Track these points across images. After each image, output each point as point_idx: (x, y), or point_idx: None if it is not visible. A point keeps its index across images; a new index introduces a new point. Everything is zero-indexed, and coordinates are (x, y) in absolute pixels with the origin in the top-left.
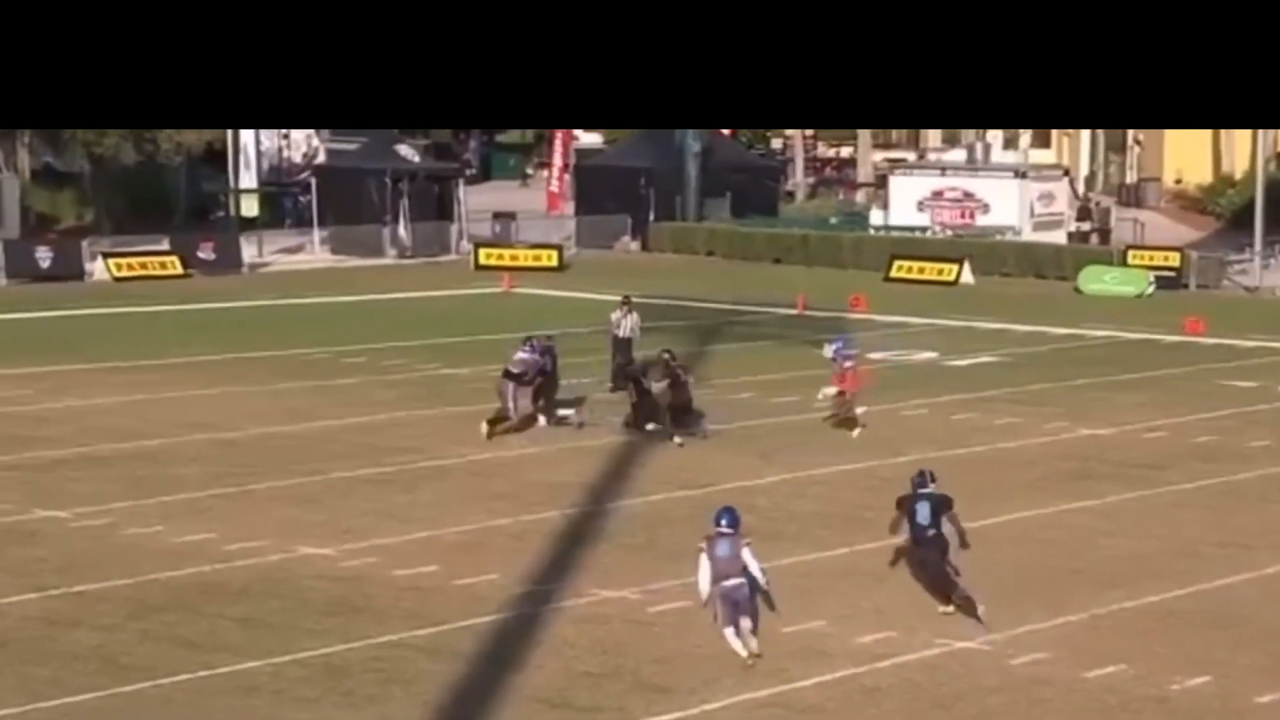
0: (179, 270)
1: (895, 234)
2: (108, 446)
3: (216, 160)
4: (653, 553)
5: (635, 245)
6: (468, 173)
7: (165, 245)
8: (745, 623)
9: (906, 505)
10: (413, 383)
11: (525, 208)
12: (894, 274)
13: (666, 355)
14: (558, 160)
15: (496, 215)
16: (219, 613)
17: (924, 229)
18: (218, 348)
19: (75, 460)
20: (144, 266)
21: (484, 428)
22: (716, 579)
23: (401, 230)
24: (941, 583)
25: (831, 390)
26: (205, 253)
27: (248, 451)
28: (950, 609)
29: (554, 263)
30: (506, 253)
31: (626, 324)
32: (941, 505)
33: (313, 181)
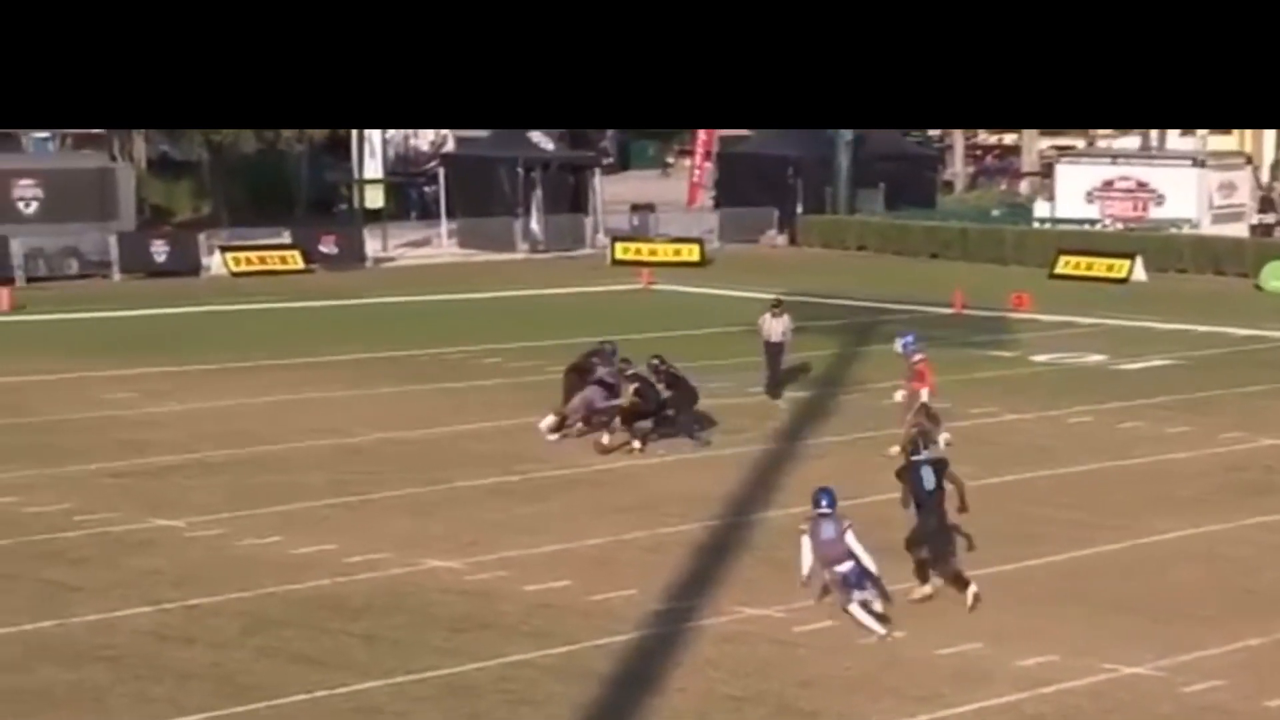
0: (300, 265)
1: (1062, 227)
2: (223, 452)
3: (339, 149)
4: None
5: (782, 239)
6: (604, 162)
7: (286, 238)
8: (867, 593)
9: (909, 474)
10: (544, 386)
11: (665, 199)
12: (1060, 270)
13: (655, 361)
14: (700, 148)
15: (634, 207)
16: (339, 629)
17: (1093, 222)
18: (340, 347)
19: (189, 467)
20: (263, 261)
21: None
22: (824, 564)
23: (534, 223)
24: (939, 554)
25: (900, 395)
26: (327, 246)
27: (370, 458)
28: (928, 592)
29: (695, 258)
30: (645, 247)
31: (777, 328)
32: (942, 467)
33: (440, 171)
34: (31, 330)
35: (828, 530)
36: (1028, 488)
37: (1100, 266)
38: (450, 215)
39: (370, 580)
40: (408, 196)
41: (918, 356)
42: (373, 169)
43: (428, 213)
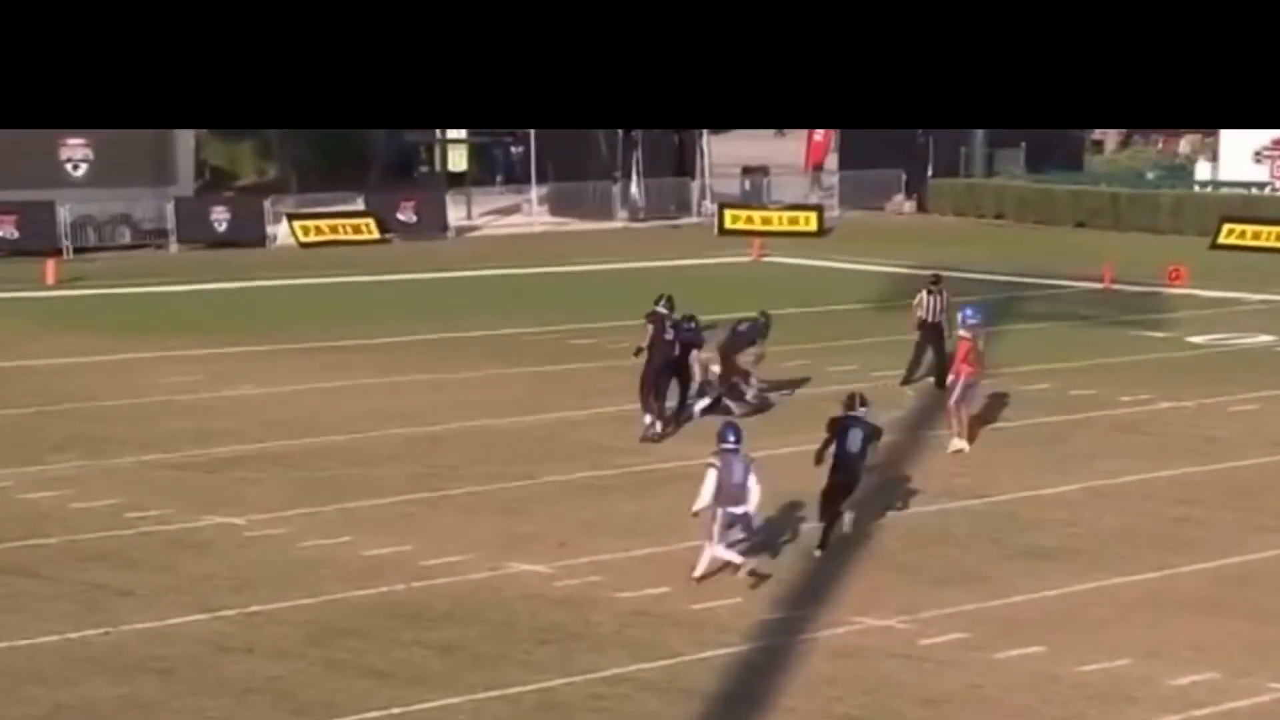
0: (375, 234)
1: (1225, 191)
2: (289, 442)
3: None
4: (923, 575)
5: (910, 206)
6: None
7: (359, 205)
8: (733, 536)
9: (837, 428)
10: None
11: (780, 161)
12: (1223, 240)
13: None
14: None
15: (746, 170)
16: (414, 639)
17: (1261, 185)
18: (419, 326)
19: (251, 458)
20: (335, 230)
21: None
22: (725, 501)
23: (634, 188)
24: (832, 514)
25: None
26: (405, 214)
27: (451, 449)
28: (820, 552)
29: (813, 227)
30: (757, 215)
31: (935, 306)
32: (873, 435)
33: (530, 132)
34: (79, 306)
35: (738, 471)
36: (1183, 484)
37: (1269, 236)
38: (540, 180)
39: (449, 586)
40: (493, 159)
41: (961, 332)
42: (455, 129)
43: (513, 177)
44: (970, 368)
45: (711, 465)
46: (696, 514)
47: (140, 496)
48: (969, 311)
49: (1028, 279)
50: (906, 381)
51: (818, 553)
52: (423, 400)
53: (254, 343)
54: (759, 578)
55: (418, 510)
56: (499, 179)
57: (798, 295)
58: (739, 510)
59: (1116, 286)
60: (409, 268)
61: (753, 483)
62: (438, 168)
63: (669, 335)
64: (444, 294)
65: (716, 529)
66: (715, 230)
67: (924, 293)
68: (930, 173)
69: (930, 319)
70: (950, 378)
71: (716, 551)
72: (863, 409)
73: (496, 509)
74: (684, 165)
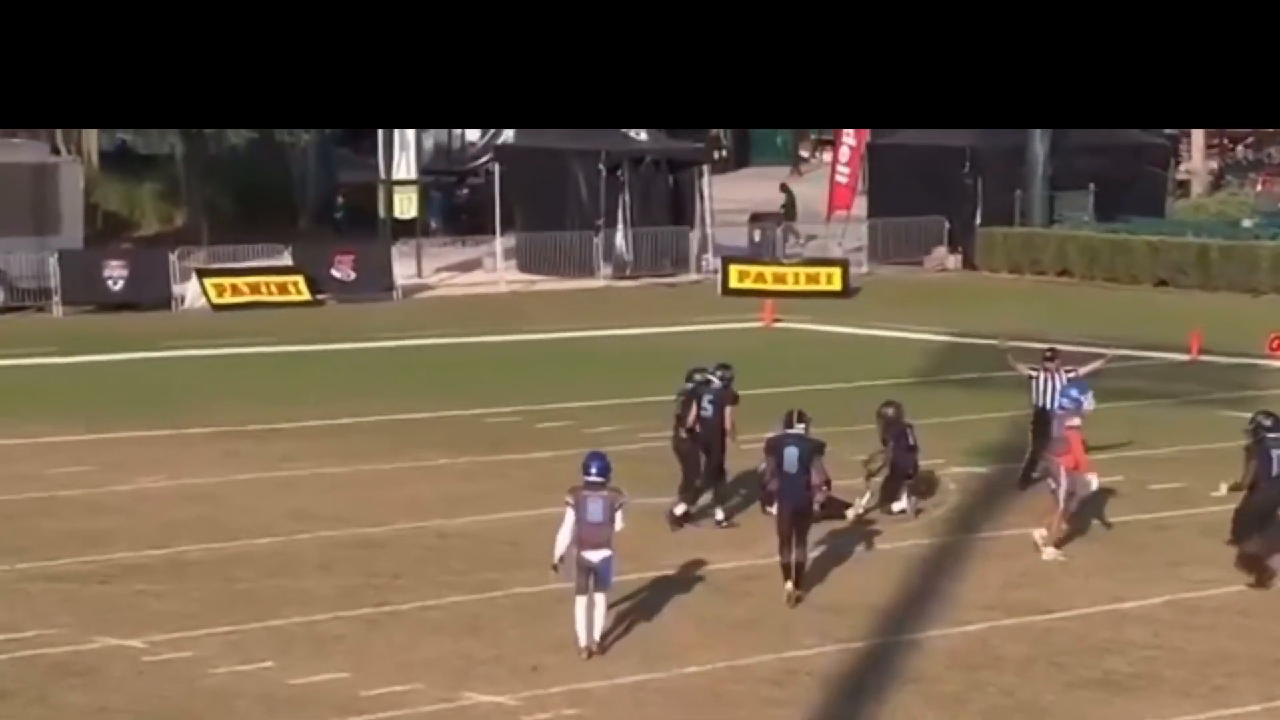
0: (305, 295)
1: None
2: (198, 547)
3: (360, 140)
4: (970, 708)
5: (954, 260)
6: (717, 156)
7: (285, 260)
8: (599, 601)
9: (775, 448)
10: (633, 457)
11: (798, 205)
12: None
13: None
14: (849, 139)
15: (756, 217)
16: None
17: None
18: (357, 407)
19: (153, 566)
20: (256, 290)
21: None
22: (582, 544)
23: (619, 239)
24: (794, 537)
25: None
26: (342, 271)
27: (395, 555)
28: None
29: (836, 285)
30: (769, 271)
31: (1049, 387)
32: (812, 451)
33: (494, 168)
34: None
35: (595, 509)
36: None
37: None
38: (507, 228)
39: None
40: (429, 201)
41: (1071, 421)
42: (404, 167)
43: (458, 225)
44: (1069, 459)
45: (568, 503)
46: (556, 567)
47: (15, 614)
48: (1076, 392)
49: (1097, 349)
50: (1025, 483)
51: (790, 588)
52: (361, 497)
53: (155, 426)
54: (593, 652)
55: (354, 630)
56: (433, 225)
57: (817, 368)
58: (595, 557)
59: (1205, 358)
60: (346, 335)
61: (616, 525)
62: (382, 213)
63: (707, 410)
64: (388, 367)
65: (577, 576)
66: (719, 290)
67: (1038, 368)
68: (978, 220)
69: (1043, 403)
70: (1062, 474)
71: (577, 615)
72: (800, 425)
73: (450, 628)
74: (680, 211)
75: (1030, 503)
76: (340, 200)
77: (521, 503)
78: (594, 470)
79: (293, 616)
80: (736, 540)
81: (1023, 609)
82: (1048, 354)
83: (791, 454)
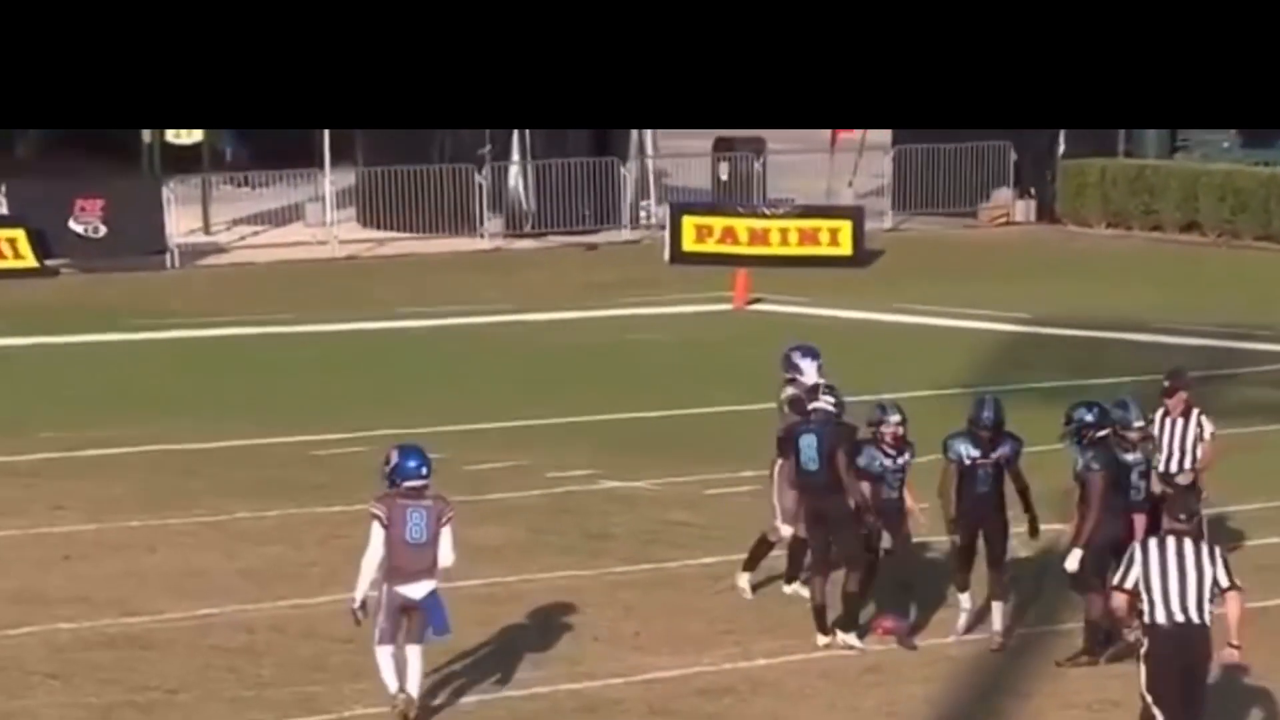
0: (30, 260)
1: None
2: None
3: None
4: None
5: (1024, 208)
6: None
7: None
8: (414, 654)
9: (789, 439)
10: (535, 509)
11: (779, 133)
12: None
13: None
14: None
15: (724, 144)
16: None
17: None
18: (113, 432)
19: None
20: None
21: (743, 580)
22: (394, 575)
23: (513, 178)
24: (804, 565)
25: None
26: (87, 223)
27: (172, 659)
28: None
29: (844, 248)
30: (742, 226)
31: (1180, 438)
32: (835, 439)
33: None
34: None
35: (416, 525)
36: None
37: None
38: (341, 160)
39: None
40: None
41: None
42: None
43: (265, 153)
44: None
45: (375, 516)
46: (361, 609)
47: None
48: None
49: (1243, 343)
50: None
51: (821, 641)
52: (116, 569)
53: None
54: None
55: None
56: (229, 155)
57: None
58: (416, 592)
59: None
60: (92, 322)
61: (445, 547)
62: (146, 136)
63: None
64: (157, 371)
65: (388, 626)
66: (666, 254)
67: (1159, 411)
68: (1061, 147)
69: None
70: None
71: (384, 672)
72: (827, 398)
73: None
74: (606, 136)
75: None
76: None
77: (345, 575)
78: (412, 467)
79: None
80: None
81: None
82: (1172, 379)
83: (809, 445)
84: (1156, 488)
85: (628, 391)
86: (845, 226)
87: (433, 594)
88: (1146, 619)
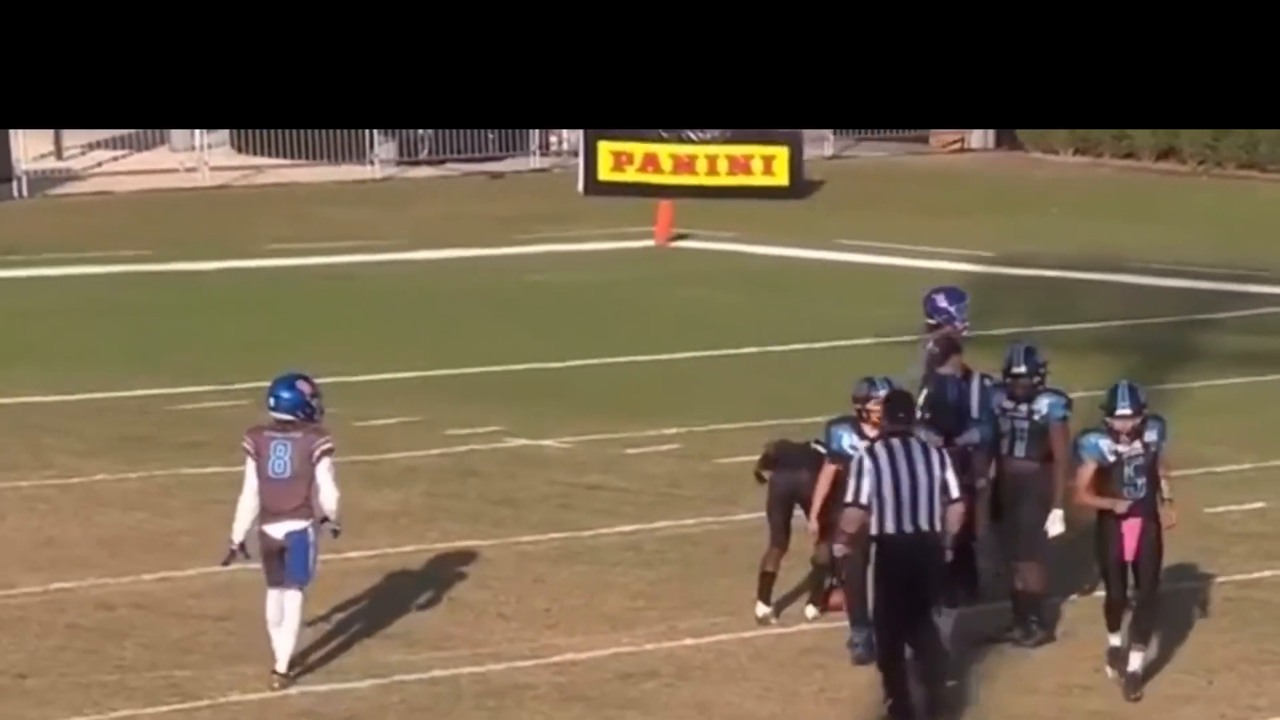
0: None
1: None
2: None
3: None
4: None
5: (981, 135)
6: None
7: None
8: (290, 604)
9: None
10: (431, 471)
11: None
12: None
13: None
14: None
15: None
16: None
17: None
18: None
19: None
20: None
21: (761, 611)
22: (262, 514)
23: None
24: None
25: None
26: None
27: (21, 640)
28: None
29: (780, 177)
30: (665, 152)
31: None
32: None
33: None
34: None
35: (280, 457)
36: None
37: None
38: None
39: None
40: None
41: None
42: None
43: None
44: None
45: (245, 449)
46: (235, 551)
47: None
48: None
49: (1228, 284)
50: None
51: (761, 611)
52: None
53: None
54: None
55: None
56: None
57: (747, 321)
58: (278, 531)
59: None
60: None
61: (324, 479)
62: None
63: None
64: (1, 315)
65: (265, 569)
66: (580, 183)
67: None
68: None
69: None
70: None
71: (269, 616)
72: (884, 384)
73: None
74: None
75: None
76: None
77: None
78: (277, 398)
79: None
80: None
81: None
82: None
83: (840, 434)
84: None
85: (537, 339)
86: (781, 154)
87: (297, 535)
88: (875, 529)
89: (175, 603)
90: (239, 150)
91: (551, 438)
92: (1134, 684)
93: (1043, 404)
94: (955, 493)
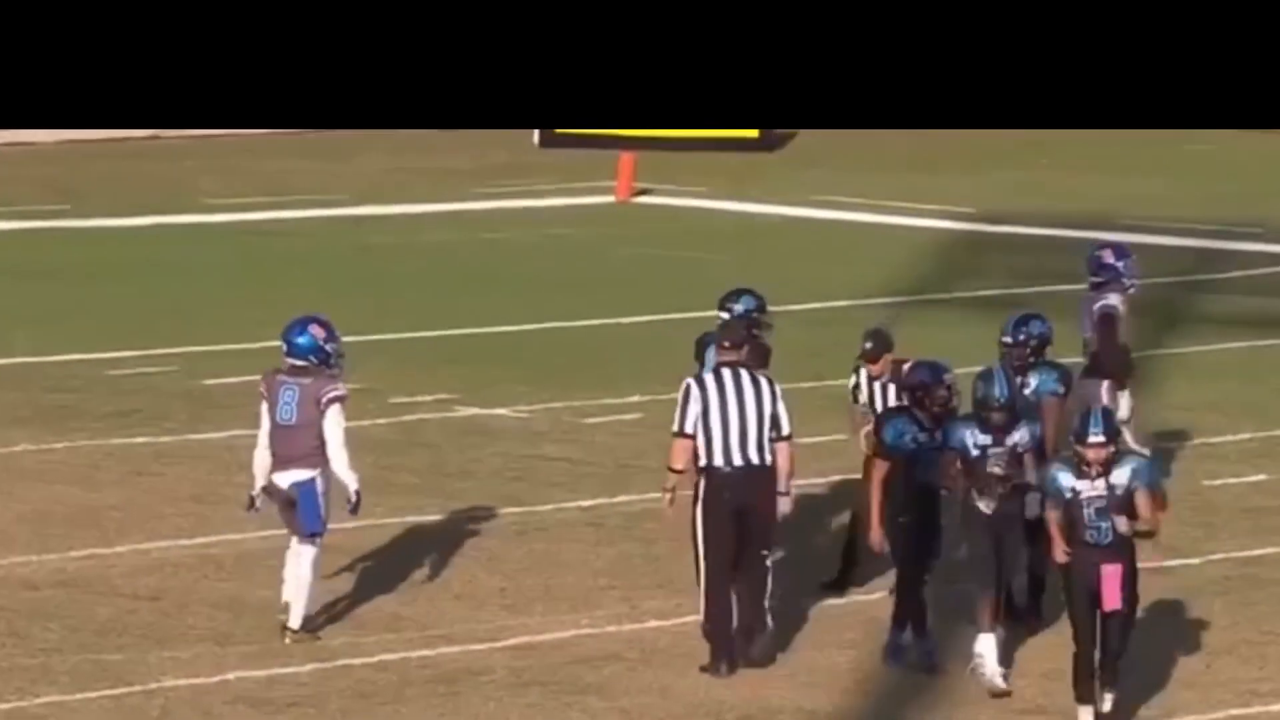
0: None
1: None
2: None
3: None
4: None
5: None
6: None
7: None
8: (303, 558)
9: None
10: (377, 441)
11: None
12: None
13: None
14: None
15: None
16: None
17: None
18: None
19: None
20: None
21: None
22: (273, 460)
23: None
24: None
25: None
26: None
27: None
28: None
29: (750, 130)
30: None
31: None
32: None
33: None
34: None
35: (287, 402)
36: None
37: None
38: None
39: None
40: None
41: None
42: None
43: None
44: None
45: (261, 395)
46: (255, 499)
47: None
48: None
49: (1228, 243)
50: None
51: None
52: None
53: None
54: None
55: None
56: None
57: (714, 280)
58: (284, 480)
59: None
60: None
61: (330, 429)
62: None
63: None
64: None
65: (282, 519)
66: (535, 135)
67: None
68: None
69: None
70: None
71: (288, 574)
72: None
73: None
74: None
75: None
76: None
77: (171, 524)
78: (291, 341)
79: None
80: None
81: None
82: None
83: (896, 424)
84: None
85: (489, 301)
86: None
87: (304, 485)
88: (702, 461)
89: (104, 582)
90: None
91: (505, 406)
92: None
93: (1033, 379)
94: (786, 429)
